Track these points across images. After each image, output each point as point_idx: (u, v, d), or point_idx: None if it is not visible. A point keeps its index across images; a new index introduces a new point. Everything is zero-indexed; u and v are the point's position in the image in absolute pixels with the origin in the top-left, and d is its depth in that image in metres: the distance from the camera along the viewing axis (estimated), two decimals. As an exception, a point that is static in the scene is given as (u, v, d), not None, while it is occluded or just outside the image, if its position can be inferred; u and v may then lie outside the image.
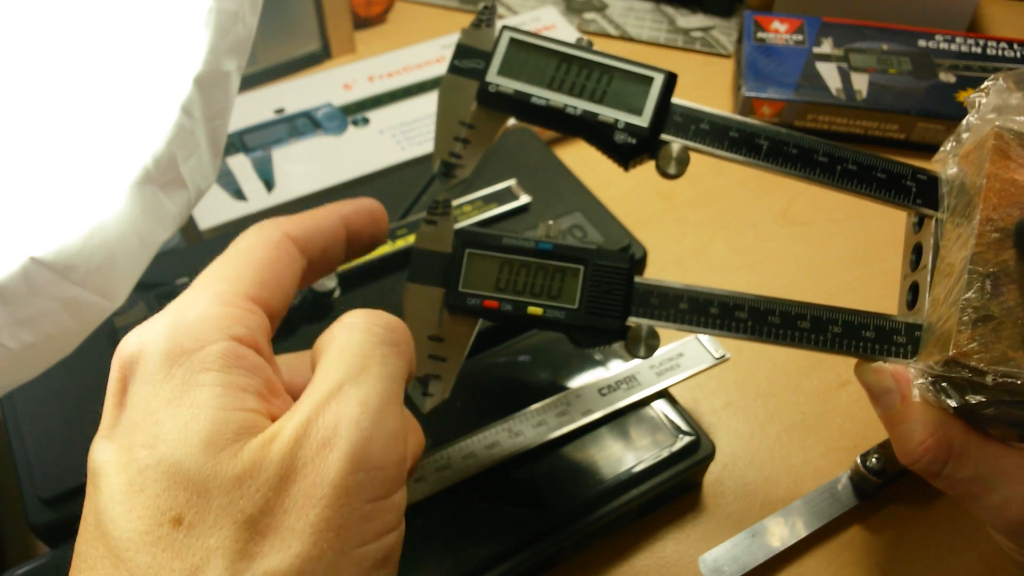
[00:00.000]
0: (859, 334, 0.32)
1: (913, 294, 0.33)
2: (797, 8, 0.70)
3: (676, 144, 0.33)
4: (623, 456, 0.39)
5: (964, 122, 0.34)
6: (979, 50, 0.65)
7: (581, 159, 0.59)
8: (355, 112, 0.59)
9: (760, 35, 0.66)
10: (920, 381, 0.31)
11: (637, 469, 0.38)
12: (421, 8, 0.75)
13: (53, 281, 0.29)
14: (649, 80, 0.33)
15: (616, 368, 0.42)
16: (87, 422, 0.39)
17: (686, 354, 0.42)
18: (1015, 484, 0.30)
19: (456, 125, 0.34)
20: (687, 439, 0.40)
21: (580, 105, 0.33)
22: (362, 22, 0.72)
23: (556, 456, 0.39)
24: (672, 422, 0.40)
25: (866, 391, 0.32)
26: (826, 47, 0.65)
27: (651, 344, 0.32)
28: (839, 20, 0.67)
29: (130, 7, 0.35)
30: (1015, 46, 0.66)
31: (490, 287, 0.32)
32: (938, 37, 0.66)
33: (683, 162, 0.33)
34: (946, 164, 0.34)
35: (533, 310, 0.32)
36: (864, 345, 0.32)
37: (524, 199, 0.49)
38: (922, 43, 0.65)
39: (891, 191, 0.33)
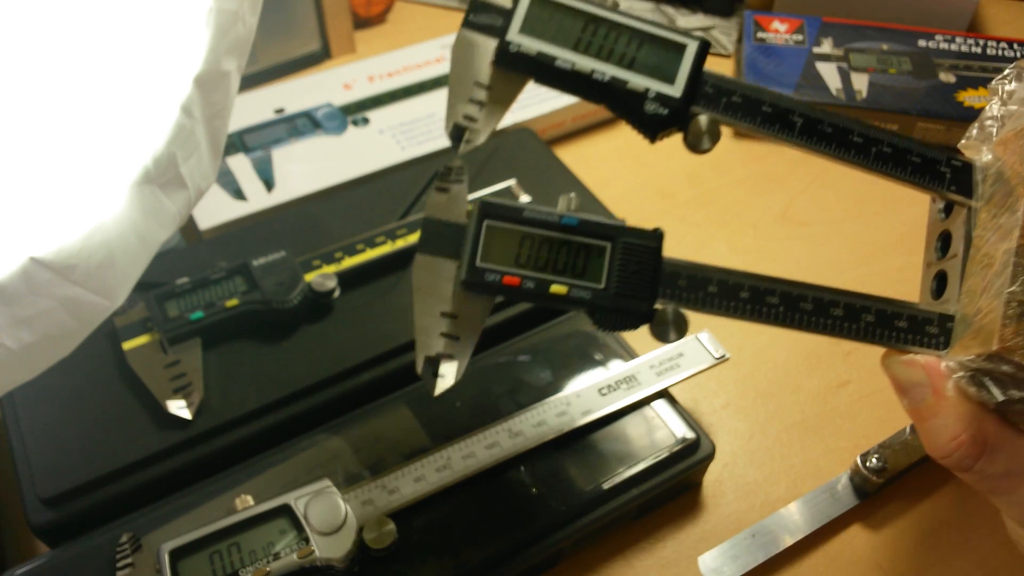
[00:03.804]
0: (892, 323, 0.31)
1: (939, 283, 0.33)
2: (797, 8, 0.70)
3: (705, 117, 0.31)
4: (623, 456, 0.39)
5: (988, 108, 0.33)
6: (979, 50, 0.65)
7: (581, 159, 0.59)
8: (355, 112, 0.59)
9: (760, 35, 0.66)
10: (960, 375, 0.30)
11: (637, 469, 0.38)
12: (421, 8, 0.75)
13: (53, 281, 0.29)
14: (682, 47, 0.31)
15: (616, 368, 0.42)
16: (87, 422, 0.39)
17: (686, 354, 0.42)
18: None
19: (471, 86, 0.31)
20: (687, 439, 0.40)
21: (608, 71, 0.30)
22: (362, 22, 0.72)
23: (556, 456, 0.39)
24: (672, 422, 0.40)
25: (893, 384, 0.32)
26: (826, 47, 0.65)
27: (680, 327, 0.30)
28: (839, 20, 0.67)
29: (130, 7, 0.35)
30: (1015, 46, 0.65)
31: (510, 262, 0.30)
32: (938, 37, 0.66)
33: (715, 136, 0.31)
34: (979, 151, 0.33)
35: (556, 288, 0.29)
36: (897, 335, 0.31)
37: (524, 199, 0.49)
38: (922, 43, 0.65)
39: (926, 176, 0.32)
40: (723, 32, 0.72)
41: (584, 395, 0.40)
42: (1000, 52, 0.65)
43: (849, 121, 0.31)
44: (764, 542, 0.40)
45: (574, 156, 0.57)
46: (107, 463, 0.37)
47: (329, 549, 0.34)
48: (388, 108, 0.59)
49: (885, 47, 0.65)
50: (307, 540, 0.34)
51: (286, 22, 0.64)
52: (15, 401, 0.39)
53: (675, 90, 0.30)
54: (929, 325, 0.31)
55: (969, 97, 0.61)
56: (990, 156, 0.32)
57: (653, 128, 0.31)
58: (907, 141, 0.32)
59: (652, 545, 0.41)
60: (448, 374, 0.30)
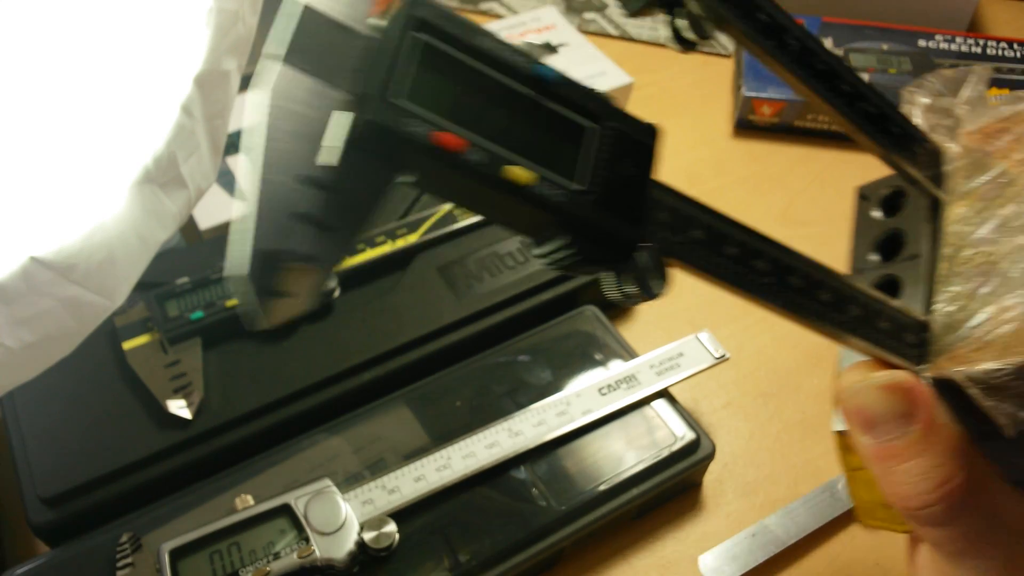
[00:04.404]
0: (875, 323, 0.25)
1: (887, 290, 0.28)
2: (797, 8, 0.70)
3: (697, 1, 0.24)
4: (623, 456, 0.39)
5: (936, 81, 0.30)
6: (979, 50, 0.65)
7: (581, 159, 0.59)
8: (355, 112, 0.58)
9: (760, 35, 0.66)
10: (974, 391, 0.24)
11: (637, 469, 0.38)
12: (421, 8, 0.75)
13: (53, 280, 0.29)
14: None
15: (616, 368, 0.42)
16: (87, 422, 0.39)
17: (686, 354, 0.42)
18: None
19: None
20: (687, 439, 0.40)
21: None
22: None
23: (556, 456, 0.39)
24: (672, 422, 0.40)
25: (854, 417, 0.24)
26: (826, 47, 0.65)
27: (663, 275, 0.21)
28: (839, 20, 0.67)
29: (130, 7, 0.35)
30: (1015, 46, 0.65)
31: (444, 113, 0.18)
32: (938, 37, 0.66)
33: (711, 28, 0.24)
34: (940, 138, 0.29)
35: (518, 174, 0.19)
36: (878, 337, 0.25)
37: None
38: (922, 43, 0.65)
39: (903, 152, 0.28)
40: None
41: (584, 395, 0.40)
42: (1000, 52, 0.65)
43: (841, 66, 0.27)
44: (764, 542, 0.40)
45: (574, 156, 0.57)
46: (107, 463, 0.37)
47: (329, 549, 0.34)
48: (388, 108, 0.59)
49: (885, 47, 0.65)
50: (307, 540, 0.34)
51: (286, 22, 0.64)
52: (15, 401, 0.39)
53: None
54: (907, 332, 0.25)
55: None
56: (959, 147, 0.29)
57: None
58: (891, 108, 0.28)
59: (652, 545, 0.41)
60: (298, 293, 0.18)
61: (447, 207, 0.48)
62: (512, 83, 0.19)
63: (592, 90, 0.21)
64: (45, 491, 0.36)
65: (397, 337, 0.43)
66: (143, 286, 0.39)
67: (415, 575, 0.35)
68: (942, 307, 0.26)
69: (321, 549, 0.34)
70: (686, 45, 0.25)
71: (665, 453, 0.39)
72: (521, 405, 0.40)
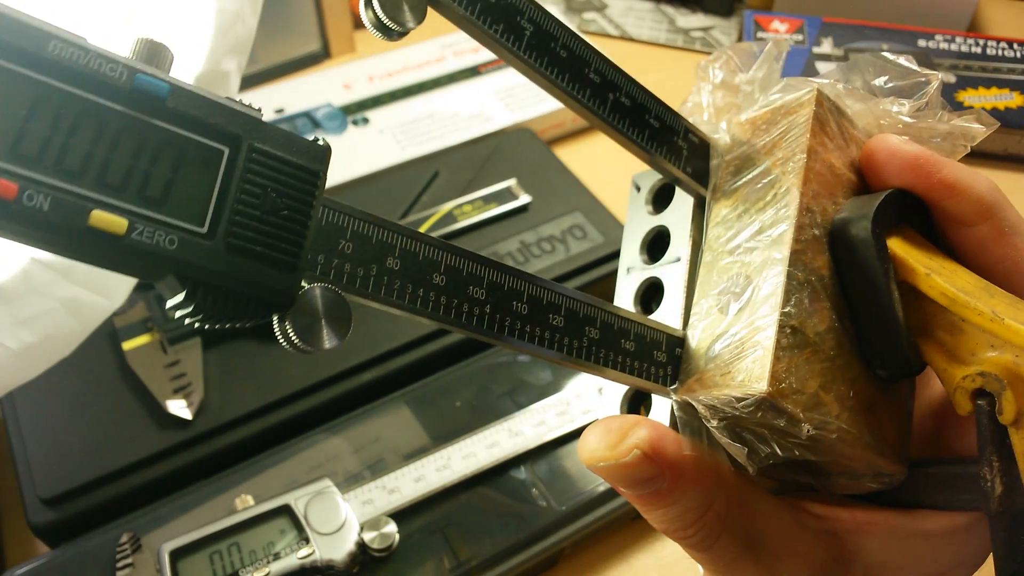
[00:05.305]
0: (619, 343, 0.22)
1: (649, 295, 0.25)
2: (797, 8, 0.70)
3: None
4: (623, 456, 0.39)
5: (694, 93, 0.27)
6: (979, 50, 0.65)
7: (581, 159, 0.59)
8: (355, 112, 0.59)
9: (760, 35, 0.66)
10: (715, 424, 0.22)
11: (637, 469, 0.38)
12: (421, 8, 0.75)
13: (53, 281, 0.29)
14: None
15: (616, 368, 0.42)
16: (87, 422, 0.39)
17: (686, 354, 0.42)
18: (791, 555, 0.24)
19: None
20: (687, 439, 0.40)
21: None
22: (362, 22, 0.72)
23: (556, 456, 0.39)
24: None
25: (604, 479, 0.23)
26: (826, 47, 0.65)
27: (341, 322, 0.18)
28: (839, 20, 0.67)
29: (131, 7, 0.35)
30: (1015, 46, 0.66)
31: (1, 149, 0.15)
32: (938, 37, 0.66)
33: (419, 9, 0.21)
34: (711, 129, 0.26)
35: (101, 219, 0.15)
36: (624, 361, 0.22)
37: (524, 199, 0.49)
38: (922, 43, 0.65)
39: (663, 147, 0.24)
40: (723, 32, 0.72)
41: (584, 395, 0.40)
42: (1000, 52, 0.65)
43: (588, 50, 0.23)
44: (764, 542, 0.40)
45: (574, 156, 0.57)
46: (107, 463, 0.37)
47: (329, 549, 0.34)
48: (388, 108, 0.59)
49: (885, 47, 0.65)
50: (307, 540, 0.34)
51: (286, 22, 0.64)
52: (15, 401, 0.39)
53: None
54: (657, 350, 0.23)
55: (969, 97, 0.62)
56: (728, 139, 0.26)
57: None
58: (647, 95, 0.25)
59: (652, 545, 0.41)
60: None
61: (447, 207, 0.48)
62: (104, 102, 0.16)
63: (231, 105, 0.17)
64: (45, 491, 0.36)
65: (397, 337, 0.43)
66: (143, 286, 0.39)
67: (415, 575, 0.35)
68: (697, 321, 0.23)
69: (321, 549, 0.34)
70: (387, 33, 0.21)
71: (665, 453, 0.39)
72: (521, 405, 0.40)
